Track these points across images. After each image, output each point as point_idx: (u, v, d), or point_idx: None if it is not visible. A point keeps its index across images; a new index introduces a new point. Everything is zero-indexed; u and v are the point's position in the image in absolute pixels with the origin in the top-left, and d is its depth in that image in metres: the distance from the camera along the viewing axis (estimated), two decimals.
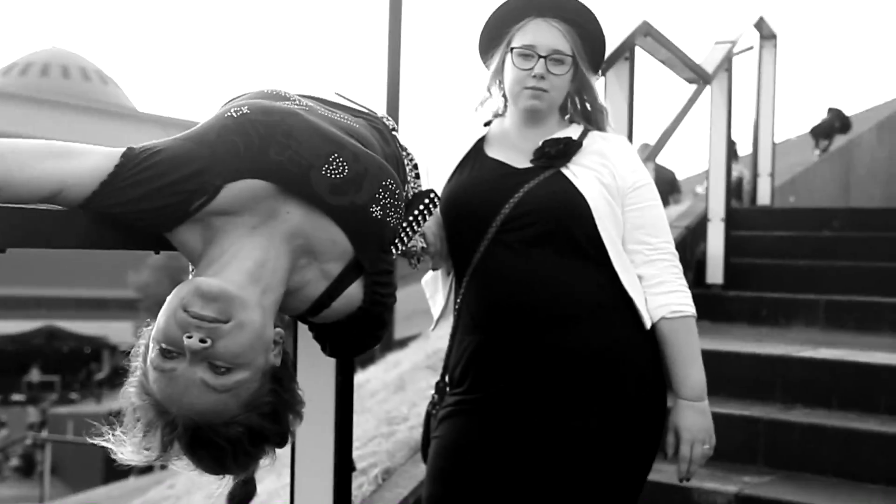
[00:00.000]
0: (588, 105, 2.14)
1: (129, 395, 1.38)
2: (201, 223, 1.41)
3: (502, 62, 2.09)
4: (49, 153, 1.31)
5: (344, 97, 1.74)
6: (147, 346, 1.36)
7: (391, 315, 1.62)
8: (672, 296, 2.01)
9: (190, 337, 1.27)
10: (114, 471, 18.55)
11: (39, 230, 1.31)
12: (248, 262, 1.39)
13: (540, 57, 2.00)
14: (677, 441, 2.03)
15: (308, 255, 1.48)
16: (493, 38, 2.11)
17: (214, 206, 1.39)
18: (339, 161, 1.46)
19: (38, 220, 1.30)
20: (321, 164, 1.44)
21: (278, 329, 1.42)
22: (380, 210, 1.53)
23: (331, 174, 1.45)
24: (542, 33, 2.02)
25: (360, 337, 1.59)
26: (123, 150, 1.35)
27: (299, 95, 1.61)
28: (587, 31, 2.07)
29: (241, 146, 1.39)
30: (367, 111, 1.76)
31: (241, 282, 1.36)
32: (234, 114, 1.42)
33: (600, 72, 2.17)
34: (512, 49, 2.04)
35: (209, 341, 1.28)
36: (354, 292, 1.53)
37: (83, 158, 1.33)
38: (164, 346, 1.30)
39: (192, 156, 1.36)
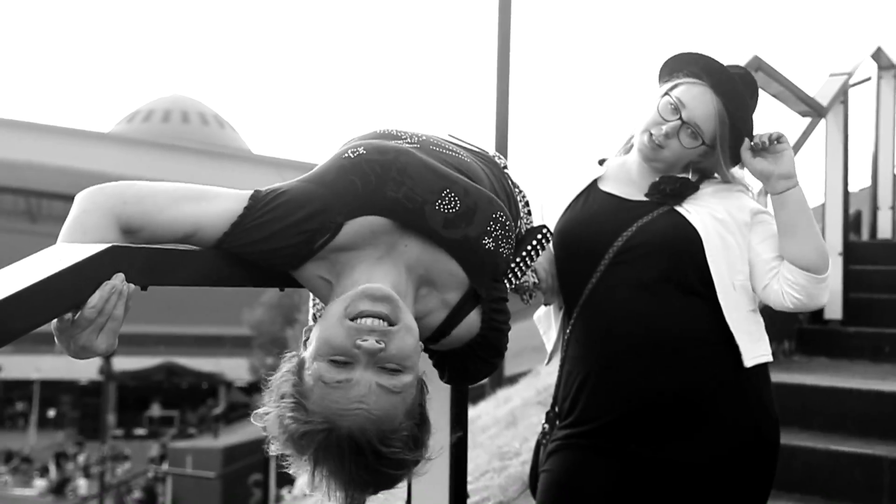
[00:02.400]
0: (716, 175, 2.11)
1: (285, 426, 1.35)
2: (327, 260, 1.48)
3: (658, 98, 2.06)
4: (185, 196, 1.40)
5: (456, 138, 1.81)
6: (297, 371, 1.38)
7: (507, 342, 1.66)
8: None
9: (365, 340, 1.32)
10: (231, 503, 18.99)
11: (175, 269, 1.38)
12: (386, 283, 1.44)
13: (681, 121, 1.99)
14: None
15: (428, 285, 1.54)
16: (669, 73, 2.09)
17: (337, 243, 1.45)
18: (452, 196, 1.52)
19: (174, 259, 1.38)
20: (434, 199, 1.50)
21: (420, 343, 1.46)
22: (492, 242, 1.58)
23: (444, 209, 1.51)
24: (700, 102, 2.00)
25: (477, 363, 1.64)
26: (251, 192, 1.43)
27: (410, 133, 1.66)
28: (742, 121, 2.03)
29: (359, 185, 1.46)
30: (478, 149, 1.82)
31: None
32: (350, 154, 1.49)
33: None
34: (667, 93, 2.03)
35: (384, 343, 1.33)
36: (473, 320, 1.58)
37: (216, 201, 1.41)
38: (333, 357, 1.33)
39: (313, 196, 1.44)
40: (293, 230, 1.42)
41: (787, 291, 1.98)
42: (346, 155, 1.49)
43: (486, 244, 1.57)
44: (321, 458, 1.34)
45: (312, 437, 1.33)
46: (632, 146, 2.17)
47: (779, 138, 1.98)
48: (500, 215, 1.59)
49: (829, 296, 1.92)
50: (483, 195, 1.58)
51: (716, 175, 2.11)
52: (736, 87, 2.02)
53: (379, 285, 1.41)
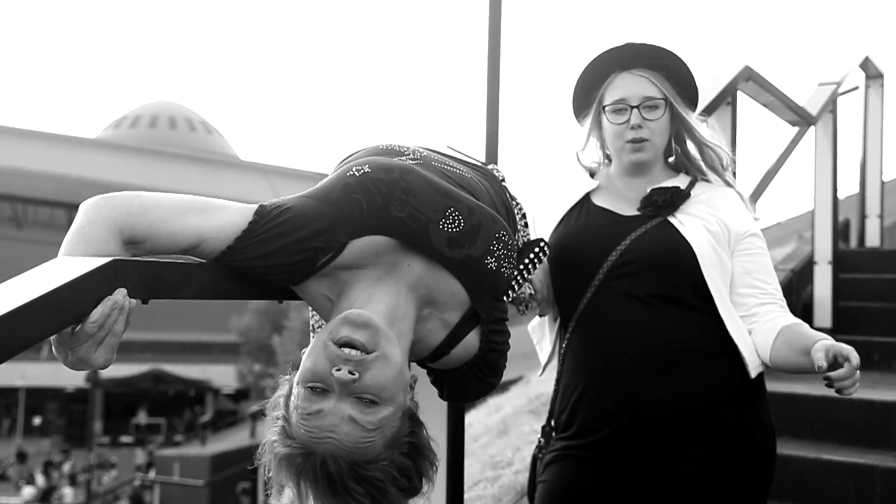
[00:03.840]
0: (694, 146, 2.13)
1: (272, 448, 1.40)
2: (329, 277, 1.48)
3: (598, 122, 2.12)
4: (190, 208, 1.39)
5: (455, 150, 1.81)
6: (287, 395, 1.42)
7: (505, 361, 1.66)
8: (789, 316, 2.00)
9: (339, 370, 1.33)
10: None
11: (177, 283, 1.37)
12: (381, 306, 1.45)
13: (632, 108, 2.03)
14: (829, 349, 1.81)
15: (430, 305, 1.54)
16: (585, 98, 2.15)
17: (340, 262, 1.45)
18: (456, 215, 1.52)
19: (176, 273, 1.37)
20: (439, 218, 1.50)
21: (413, 374, 1.48)
22: (494, 262, 1.58)
23: (448, 228, 1.51)
24: (629, 85, 2.05)
25: (475, 383, 1.64)
26: (256, 207, 1.43)
27: (413, 148, 1.67)
28: (674, 73, 2.08)
29: (364, 204, 1.45)
30: (476, 163, 1.82)
31: (381, 322, 1.42)
32: (355, 172, 1.48)
33: (698, 113, 2.17)
34: (604, 108, 2.08)
35: (357, 373, 1.34)
36: (472, 341, 1.59)
37: (220, 214, 1.40)
38: (310, 384, 1.36)
39: (317, 214, 1.43)
40: (296, 247, 1.41)
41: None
42: (351, 173, 1.48)
43: (489, 264, 1.57)
44: (301, 482, 1.37)
45: (292, 461, 1.36)
46: (601, 165, 2.21)
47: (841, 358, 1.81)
48: (503, 234, 1.59)
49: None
50: (486, 214, 1.58)
51: (705, 176, 2.12)
52: (627, 50, 2.08)
53: (360, 311, 1.40)
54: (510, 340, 1.66)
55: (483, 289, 1.58)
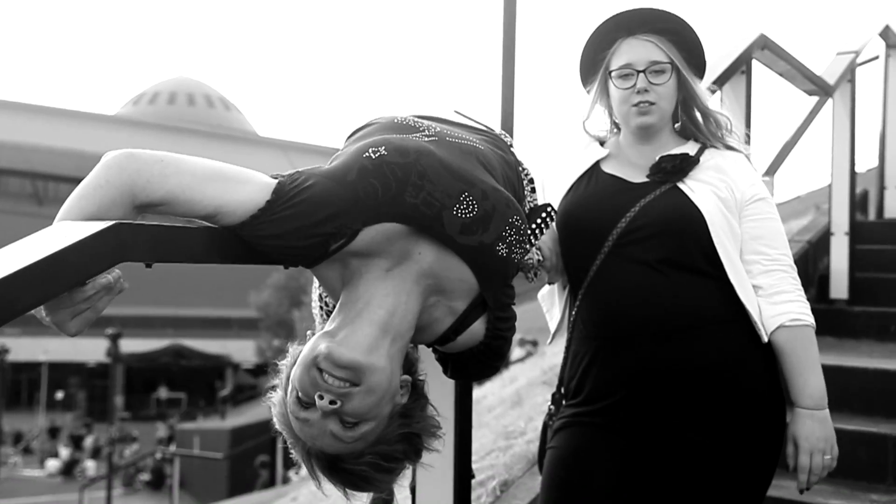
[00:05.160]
0: (699, 114, 2.12)
1: (272, 413, 1.52)
2: (340, 262, 1.48)
3: (605, 88, 2.12)
4: (211, 177, 1.37)
5: (463, 115, 1.80)
6: (291, 370, 1.47)
7: (509, 347, 1.68)
8: (791, 305, 2.00)
9: (322, 398, 1.38)
10: (238, 484, 19.09)
11: (181, 246, 1.37)
12: (380, 312, 1.46)
13: (639, 72, 2.02)
14: (796, 451, 2.00)
15: (437, 293, 1.54)
16: (591, 65, 2.14)
17: (352, 248, 1.44)
18: (470, 200, 1.50)
19: (180, 236, 1.37)
20: (453, 204, 1.49)
21: (405, 377, 1.50)
22: (505, 248, 1.57)
23: (461, 213, 1.49)
24: (635, 50, 2.04)
25: (479, 367, 1.66)
26: (276, 184, 1.40)
27: (427, 120, 1.65)
28: (681, 38, 2.07)
29: (379, 189, 1.43)
30: (485, 128, 1.81)
31: (372, 336, 1.43)
32: (372, 154, 1.45)
33: (711, 82, 2.16)
34: (610, 73, 2.07)
35: (339, 403, 1.38)
36: (478, 328, 1.59)
37: (241, 188, 1.38)
38: (299, 395, 1.42)
39: (332, 198, 1.40)
40: (309, 231, 1.39)
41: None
42: (367, 154, 1.45)
43: (500, 251, 1.56)
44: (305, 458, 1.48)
45: (287, 436, 1.49)
46: (609, 133, 2.21)
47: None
48: (517, 219, 1.58)
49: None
50: (501, 198, 1.56)
51: (713, 143, 2.11)
52: (634, 15, 2.06)
53: (346, 353, 1.40)
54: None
55: (493, 276, 1.58)
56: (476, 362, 1.64)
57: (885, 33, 5.37)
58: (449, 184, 1.49)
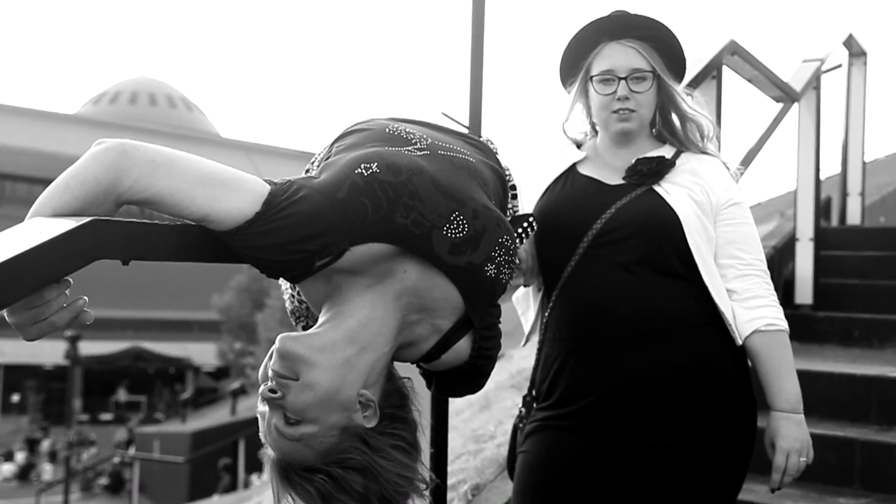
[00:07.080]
0: (677, 119, 2.13)
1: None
2: (324, 277, 1.46)
3: (584, 91, 2.11)
4: (203, 181, 1.33)
5: (450, 118, 1.78)
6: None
7: (493, 365, 1.67)
8: (766, 310, 2.01)
9: (266, 385, 1.44)
10: (199, 488, 18.93)
11: (157, 243, 1.34)
12: (351, 321, 1.45)
13: (620, 79, 2.02)
14: (773, 451, 2.02)
15: (421, 311, 1.52)
16: (572, 67, 2.13)
17: (338, 266, 1.42)
18: (461, 219, 1.48)
19: (156, 233, 1.34)
20: (443, 224, 1.46)
21: (364, 392, 1.46)
22: (494, 268, 1.55)
23: (451, 234, 1.47)
24: (617, 56, 2.04)
25: (462, 385, 1.66)
26: (267, 194, 1.36)
27: (417, 126, 1.63)
28: (663, 44, 2.08)
29: (369, 209, 1.40)
30: (471, 136, 1.79)
31: (332, 340, 1.43)
32: (364, 171, 1.41)
33: (683, 87, 2.16)
34: (591, 77, 2.07)
35: (278, 393, 1.41)
36: (463, 347, 1.58)
37: (231, 196, 1.34)
38: (261, 389, 1.45)
39: (321, 214, 1.37)
40: (294, 247, 1.36)
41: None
42: (359, 171, 1.41)
43: (488, 271, 1.54)
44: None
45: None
46: (586, 136, 2.21)
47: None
48: (507, 239, 1.57)
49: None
50: (492, 217, 1.54)
51: (689, 148, 2.12)
52: (617, 20, 2.07)
53: (289, 343, 1.43)
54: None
55: (479, 296, 1.56)
56: (461, 381, 1.63)
57: (849, 42, 5.45)
58: (440, 203, 1.46)
